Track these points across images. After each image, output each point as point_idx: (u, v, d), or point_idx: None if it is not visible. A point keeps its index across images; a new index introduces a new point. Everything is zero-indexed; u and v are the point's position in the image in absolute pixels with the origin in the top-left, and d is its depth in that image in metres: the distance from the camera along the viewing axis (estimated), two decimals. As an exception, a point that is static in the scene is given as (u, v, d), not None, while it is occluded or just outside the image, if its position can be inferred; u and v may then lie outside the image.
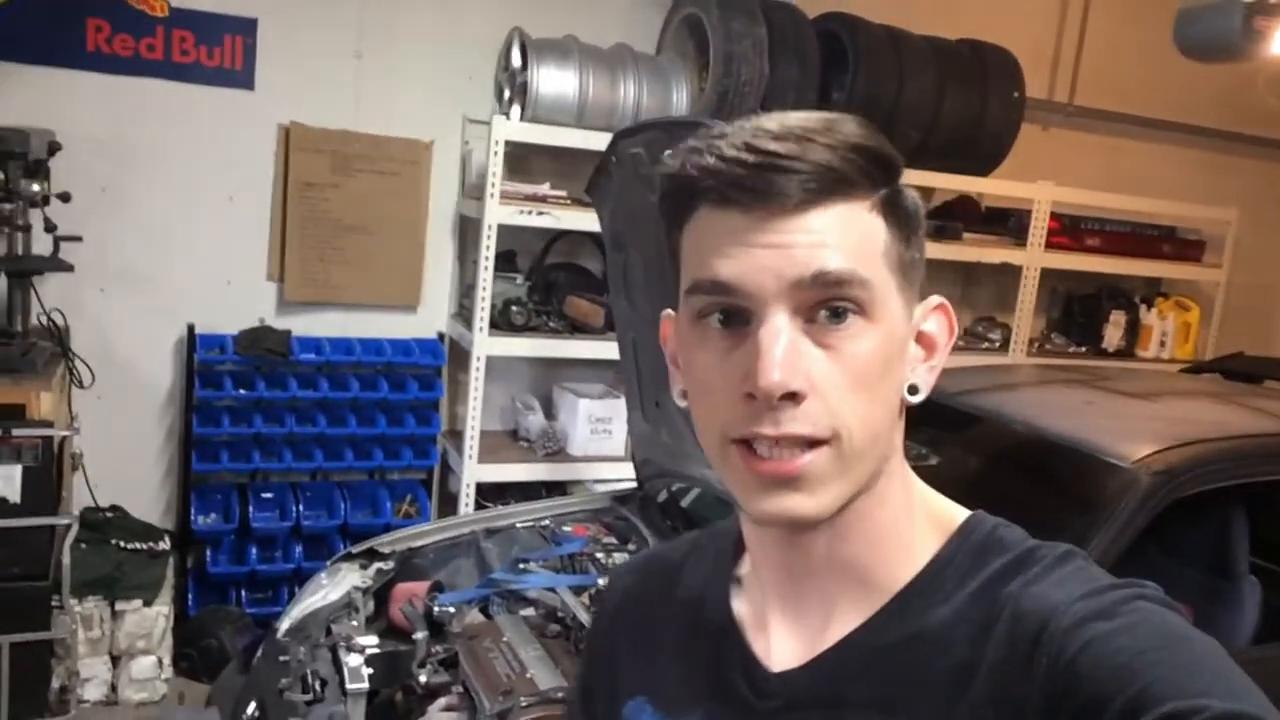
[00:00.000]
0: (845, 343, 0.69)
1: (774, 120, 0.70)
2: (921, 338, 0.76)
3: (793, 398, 0.68)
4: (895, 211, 0.72)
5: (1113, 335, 4.96)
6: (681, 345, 0.75)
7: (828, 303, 0.69)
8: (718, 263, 0.70)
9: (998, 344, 4.61)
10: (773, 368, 0.67)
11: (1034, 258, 4.51)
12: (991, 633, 0.69)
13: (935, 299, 0.77)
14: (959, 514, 0.79)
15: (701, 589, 0.87)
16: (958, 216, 4.51)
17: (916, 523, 0.77)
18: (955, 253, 4.30)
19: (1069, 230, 4.73)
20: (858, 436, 0.70)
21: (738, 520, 0.86)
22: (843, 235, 0.69)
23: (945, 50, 4.09)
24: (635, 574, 0.96)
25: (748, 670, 0.80)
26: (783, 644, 0.79)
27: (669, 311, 0.81)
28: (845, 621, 0.76)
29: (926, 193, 4.60)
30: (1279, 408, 2.92)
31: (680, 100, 3.69)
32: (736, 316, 0.70)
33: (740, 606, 0.84)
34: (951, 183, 4.36)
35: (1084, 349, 4.94)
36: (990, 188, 4.44)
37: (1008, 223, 4.65)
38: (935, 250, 3.99)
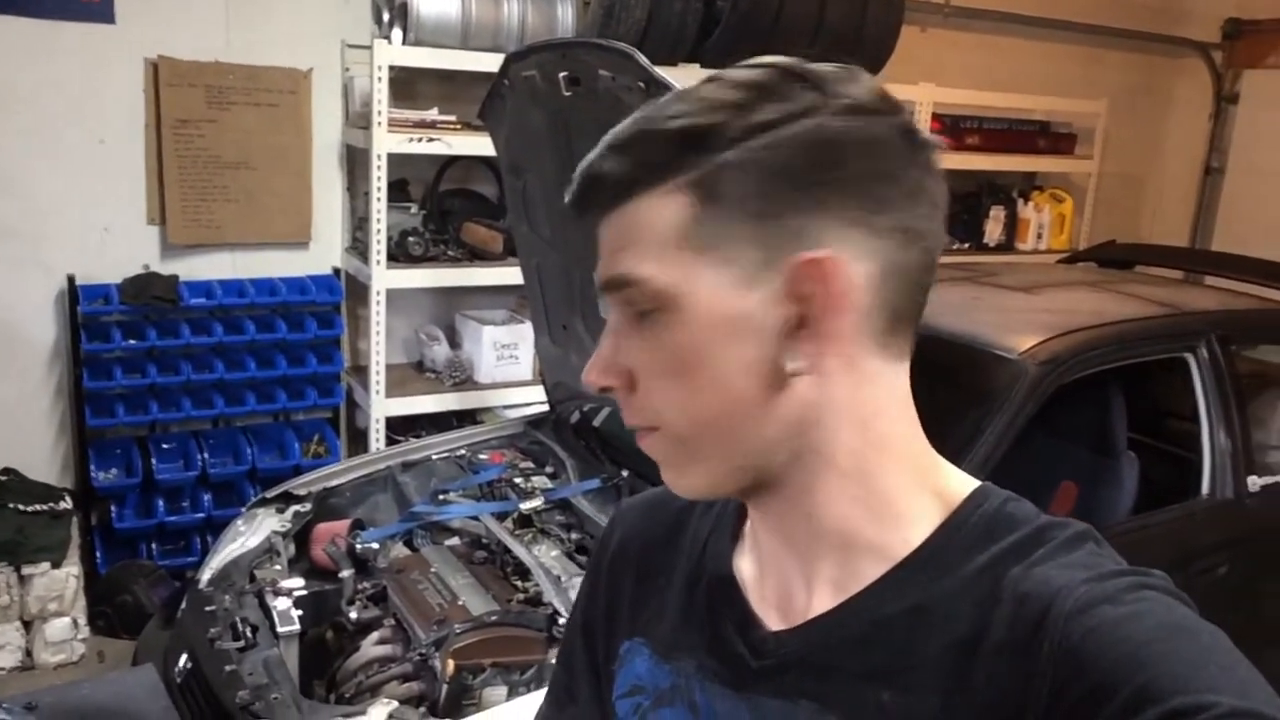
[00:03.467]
0: (656, 336, 0.70)
1: (637, 112, 0.71)
2: (799, 302, 0.68)
3: (613, 390, 0.72)
4: (718, 184, 0.66)
5: (993, 230, 5.14)
6: None
7: (628, 304, 0.71)
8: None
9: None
10: (590, 366, 0.72)
11: (918, 159, 4.61)
12: (994, 613, 0.67)
13: (800, 255, 0.66)
14: (966, 484, 0.75)
15: (706, 537, 0.85)
16: (843, 122, 4.56)
17: (913, 492, 0.73)
18: (843, 159, 4.36)
19: (949, 130, 4.85)
20: (680, 426, 0.71)
21: None
22: (627, 237, 0.69)
23: (826, -45, 4.09)
24: (642, 512, 0.93)
25: (744, 626, 0.78)
26: (781, 603, 0.77)
27: None
28: (846, 587, 0.74)
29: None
30: (1150, 292, 3.11)
31: (566, 16, 3.63)
32: None
33: (742, 560, 0.82)
34: (836, 89, 4.41)
35: (967, 245, 5.10)
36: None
37: (891, 126, 4.72)
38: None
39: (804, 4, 3.95)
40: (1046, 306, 2.89)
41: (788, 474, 0.72)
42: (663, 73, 2.06)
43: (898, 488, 0.72)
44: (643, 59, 2.05)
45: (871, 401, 0.71)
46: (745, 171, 0.66)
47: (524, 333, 3.88)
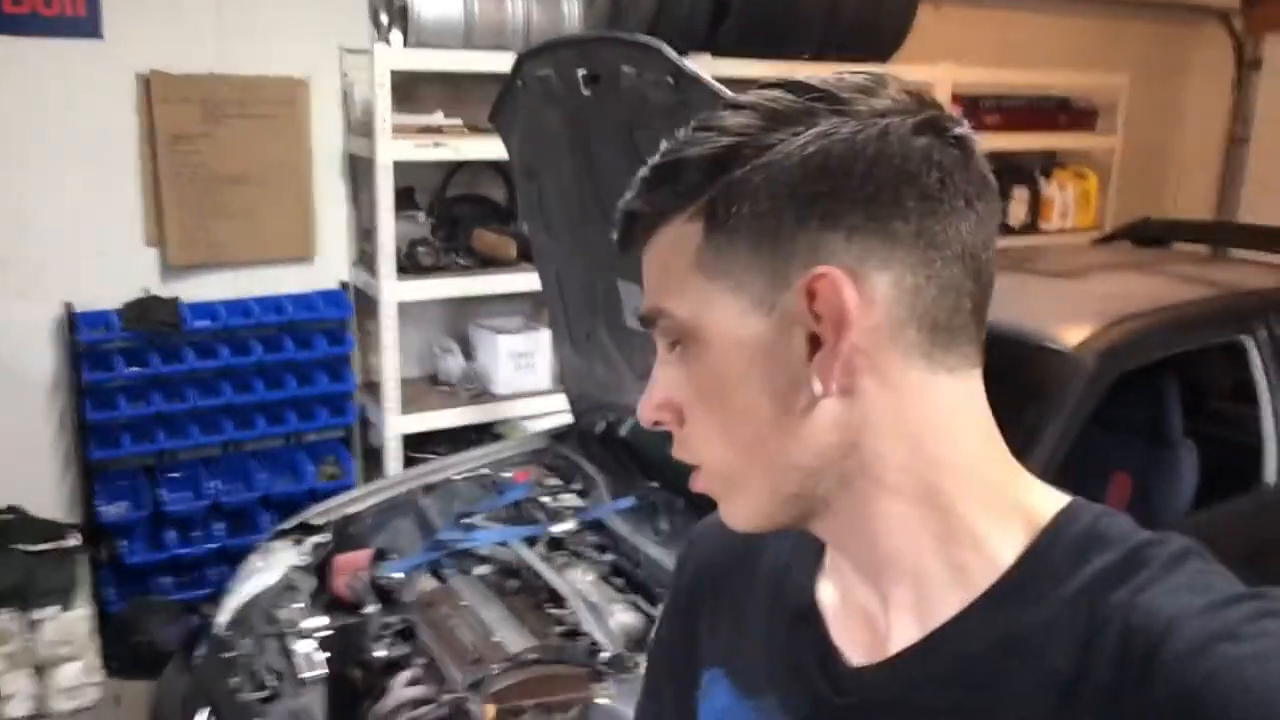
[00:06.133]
0: (689, 367, 0.69)
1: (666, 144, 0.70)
2: (813, 321, 0.65)
3: (664, 425, 0.71)
4: (726, 209, 0.65)
5: (1017, 211, 4.99)
6: None
7: (664, 336, 0.70)
8: None
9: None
10: (642, 403, 0.72)
11: (938, 142, 4.46)
12: (1095, 647, 0.62)
13: (812, 271, 0.63)
14: (1055, 501, 0.69)
15: (786, 563, 0.81)
16: (860, 107, 4.43)
17: (991, 513, 0.67)
18: (861, 145, 4.21)
19: (969, 110, 4.69)
20: (719, 460, 0.70)
21: None
22: (655, 270, 0.70)
23: (836, -66, 3.94)
24: (717, 533, 0.87)
25: (825, 661, 0.74)
26: (863, 637, 0.72)
27: None
28: (927, 617, 0.69)
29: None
30: (1200, 272, 2.96)
31: (572, 12, 3.48)
32: None
33: (824, 590, 0.77)
34: (851, 73, 4.26)
35: (991, 228, 4.95)
36: (893, 73, 4.34)
37: (909, 109, 4.58)
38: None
39: (818, -16, 3.80)
40: (1095, 293, 2.74)
41: (840, 500, 0.68)
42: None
43: (971, 509, 0.67)
44: (670, 52, 1.91)
45: (919, 419, 0.66)
46: (751, 195, 0.65)
47: (540, 340, 3.75)
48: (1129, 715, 0.59)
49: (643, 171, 0.69)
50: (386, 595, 2.35)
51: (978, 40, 4.86)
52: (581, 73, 2.14)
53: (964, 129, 0.67)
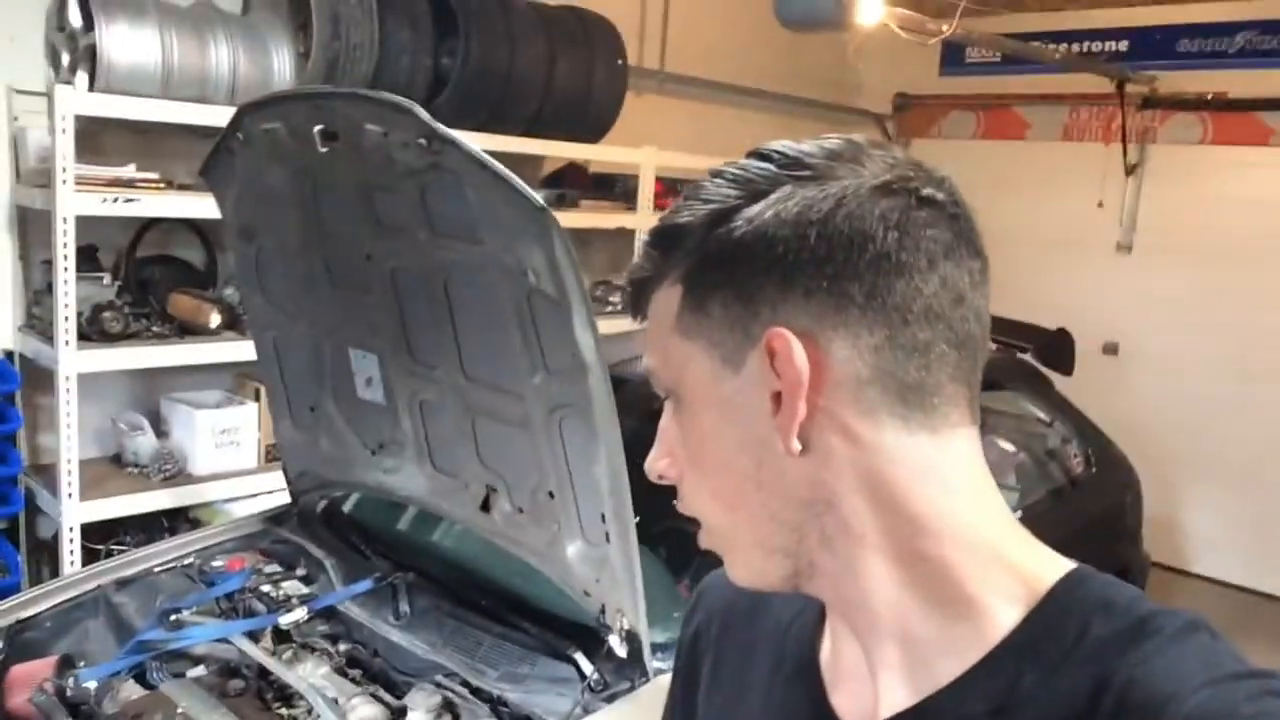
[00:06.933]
0: (679, 424, 0.72)
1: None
2: (775, 381, 0.66)
3: (669, 479, 0.74)
4: (701, 274, 0.69)
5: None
6: None
7: (660, 394, 0.74)
8: None
9: (620, 307, 4.72)
10: (649, 458, 0.75)
11: (645, 220, 4.65)
12: (1094, 717, 0.61)
13: (769, 331, 0.65)
14: (1058, 567, 0.68)
15: (790, 620, 0.81)
16: (569, 184, 4.55)
17: (986, 578, 0.67)
18: (573, 220, 4.30)
19: (669, 191, 4.94)
20: (709, 515, 0.72)
21: None
22: (650, 331, 0.73)
23: (552, 17, 4.06)
24: (726, 587, 0.84)
25: None
26: (857, 698, 0.73)
27: None
28: (917, 681, 0.69)
29: (538, 161, 4.57)
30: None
31: (283, 66, 3.31)
32: None
33: (825, 650, 0.78)
34: (565, 150, 4.37)
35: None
36: (601, 154, 4.52)
37: (615, 188, 4.76)
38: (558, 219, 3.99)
39: (534, 62, 3.89)
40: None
41: (825, 558, 0.69)
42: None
43: (963, 573, 0.66)
44: (424, 113, 1.85)
45: (894, 479, 0.66)
46: (721, 260, 0.67)
47: (243, 415, 3.47)
48: None
49: (643, 238, 0.74)
50: (77, 709, 2.04)
51: (676, 128, 5.15)
52: (318, 128, 2.03)
53: (936, 190, 0.67)
